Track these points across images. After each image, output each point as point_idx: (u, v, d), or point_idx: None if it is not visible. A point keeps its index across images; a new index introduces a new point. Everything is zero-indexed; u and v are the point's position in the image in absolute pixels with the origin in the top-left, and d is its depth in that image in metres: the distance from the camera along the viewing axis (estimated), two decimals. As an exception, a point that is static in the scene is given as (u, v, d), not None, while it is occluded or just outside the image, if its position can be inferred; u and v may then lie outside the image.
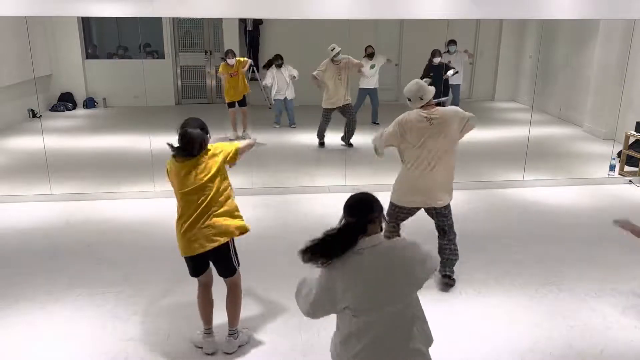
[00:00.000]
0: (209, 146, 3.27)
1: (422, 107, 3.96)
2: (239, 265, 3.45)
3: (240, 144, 3.43)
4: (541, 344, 3.57)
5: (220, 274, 3.43)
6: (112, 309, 3.93)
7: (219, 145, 3.32)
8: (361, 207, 2.29)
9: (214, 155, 3.25)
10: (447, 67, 8.96)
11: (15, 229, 5.38)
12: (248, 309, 3.93)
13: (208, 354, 3.42)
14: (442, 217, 4.17)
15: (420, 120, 3.90)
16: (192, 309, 3.86)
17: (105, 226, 5.42)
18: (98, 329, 3.68)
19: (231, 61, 8.20)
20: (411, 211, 4.16)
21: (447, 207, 4.17)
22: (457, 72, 9.11)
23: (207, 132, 3.24)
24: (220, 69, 8.39)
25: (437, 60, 8.88)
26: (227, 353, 3.43)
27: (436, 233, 4.27)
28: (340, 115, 8.23)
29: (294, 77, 8.69)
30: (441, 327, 3.76)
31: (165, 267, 4.43)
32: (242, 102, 8.50)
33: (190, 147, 3.15)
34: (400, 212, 4.15)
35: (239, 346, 3.48)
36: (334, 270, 2.23)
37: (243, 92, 8.43)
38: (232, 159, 3.33)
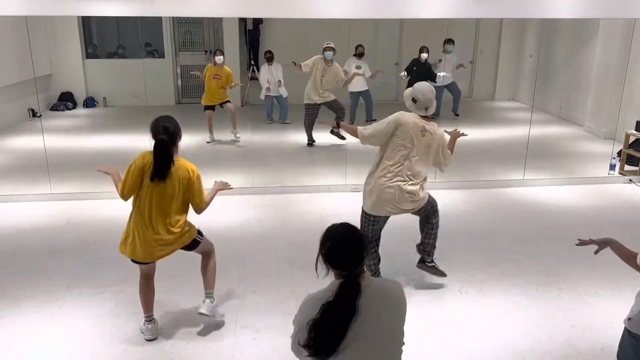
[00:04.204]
0: (188, 165, 3.33)
1: (423, 118, 3.85)
2: (202, 235, 3.58)
3: (209, 195, 3.48)
4: (542, 344, 3.57)
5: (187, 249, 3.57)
6: (112, 308, 3.93)
7: (197, 183, 3.34)
8: (353, 256, 1.97)
9: (185, 179, 3.29)
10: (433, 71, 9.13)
11: (16, 228, 5.38)
12: (248, 309, 3.94)
13: (148, 340, 3.53)
14: (424, 208, 4.04)
15: (416, 124, 3.79)
16: (191, 309, 3.87)
17: (106, 225, 5.41)
18: (98, 329, 3.68)
19: (219, 58, 8.19)
20: (384, 219, 4.06)
21: (427, 202, 4.02)
22: (444, 76, 9.23)
23: (178, 135, 3.32)
24: (204, 73, 8.33)
25: (424, 56, 8.97)
26: (202, 314, 3.59)
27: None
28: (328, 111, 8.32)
29: (279, 82, 8.92)
30: (442, 327, 3.76)
31: (165, 266, 4.43)
32: (225, 102, 8.45)
33: (162, 164, 3.21)
34: (373, 222, 4.04)
35: (213, 314, 3.64)
36: (308, 307, 1.99)
37: (222, 97, 8.37)
38: (200, 200, 3.39)
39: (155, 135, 3.22)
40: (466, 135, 4.15)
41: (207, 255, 3.64)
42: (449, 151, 4.02)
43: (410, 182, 3.85)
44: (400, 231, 4.73)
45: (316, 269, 2.02)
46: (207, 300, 3.63)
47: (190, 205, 3.44)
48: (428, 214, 4.08)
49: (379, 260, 4.17)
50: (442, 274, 4.22)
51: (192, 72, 8.82)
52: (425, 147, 3.84)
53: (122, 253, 3.46)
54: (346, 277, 1.94)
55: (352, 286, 1.92)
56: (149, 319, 3.58)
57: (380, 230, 4.13)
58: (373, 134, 3.88)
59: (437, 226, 4.12)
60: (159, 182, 3.23)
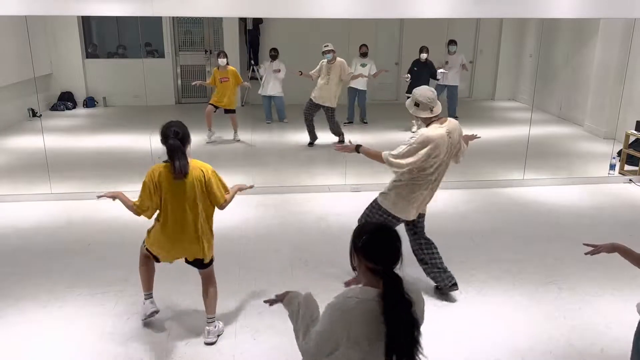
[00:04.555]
0: (201, 165, 3.31)
1: (436, 120, 3.77)
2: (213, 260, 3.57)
3: (229, 194, 3.44)
4: (542, 343, 3.57)
5: (195, 266, 3.54)
6: (112, 308, 3.93)
7: (213, 179, 3.32)
8: (392, 249, 1.90)
9: (199, 178, 3.28)
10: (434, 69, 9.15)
11: (16, 228, 5.38)
12: (248, 308, 3.94)
13: (152, 313, 3.59)
14: (423, 221, 4.12)
15: (442, 136, 3.70)
16: (192, 309, 3.87)
17: (106, 225, 5.42)
18: (98, 328, 3.68)
19: (222, 61, 8.19)
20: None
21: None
22: (444, 73, 9.21)
23: (187, 139, 3.30)
24: (211, 80, 8.35)
25: (423, 56, 9.00)
26: (209, 344, 3.53)
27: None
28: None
29: (278, 70, 8.86)
30: (442, 327, 3.76)
31: (165, 266, 4.43)
32: (230, 110, 8.48)
33: (178, 163, 3.19)
34: (393, 220, 3.96)
35: (218, 335, 3.60)
36: (340, 319, 1.88)
37: (229, 102, 8.38)
38: (220, 197, 3.36)
39: (165, 138, 3.22)
40: (480, 137, 4.20)
41: (210, 281, 3.57)
42: (465, 144, 4.03)
43: (436, 184, 3.91)
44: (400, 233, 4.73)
45: (352, 267, 1.98)
46: (209, 327, 3.56)
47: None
48: (423, 242, 4.11)
49: None
50: None
51: (193, 83, 8.76)
52: (454, 147, 3.83)
53: (149, 246, 3.49)
54: (384, 274, 1.85)
55: (395, 279, 1.84)
56: (149, 296, 3.63)
57: None
58: (414, 162, 3.71)
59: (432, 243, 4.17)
60: (181, 179, 3.22)
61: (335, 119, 8.25)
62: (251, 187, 3.68)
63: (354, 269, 1.98)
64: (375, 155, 3.88)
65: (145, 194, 3.28)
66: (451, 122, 3.83)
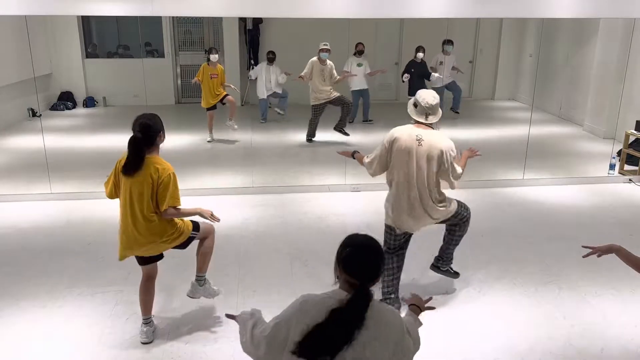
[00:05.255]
0: (159, 164, 3.25)
1: (417, 123, 3.65)
2: (197, 231, 3.54)
3: (186, 209, 3.34)
4: (541, 343, 3.57)
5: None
6: (112, 308, 3.93)
7: (166, 181, 3.22)
8: (371, 265, 1.89)
9: (149, 176, 3.22)
10: (430, 70, 9.13)
11: (16, 228, 5.38)
12: (248, 308, 3.93)
13: (143, 343, 3.51)
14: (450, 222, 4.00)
15: (409, 135, 3.59)
16: (191, 309, 3.87)
17: (106, 225, 5.41)
18: (98, 328, 3.68)
19: (214, 57, 8.17)
20: (405, 236, 3.86)
21: (450, 218, 3.91)
22: (440, 78, 9.16)
23: (157, 134, 3.28)
24: (199, 74, 8.29)
25: (420, 55, 8.98)
26: (190, 297, 3.68)
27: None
28: (333, 110, 8.37)
29: (284, 75, 8.91)
30: (441, 327, 3.76)
31: (165, 266, 4.43)
32: (224, 96, 8.46)
33: (132, 158, 3.21)
34: (395, 236, 3.84)
35: (202, 297, 3.70)
36: (299, 308, 1.94)
37: (219, 94, 8.36)
38: (161, 204, 3.25)
39: (132, 131, 3.24)
40: (480, 155, 4.04)
41: (205, 238, 3.62)
42: (459, 166, 3.76)
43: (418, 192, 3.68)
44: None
45: (335, 276, 1.97)
46: (196, 283, 3.67)
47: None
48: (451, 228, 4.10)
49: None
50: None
51: (193, 80, 8.72)
52: (426, 157, 3.58)
53: (121, 256, 3.49)
54: (358, 287, 1.85)
55: (365, 296, 1.84)
56: (147, 321, 3.57)
57: (401, 245, 3.90)
58: (373, 160, 3.77)
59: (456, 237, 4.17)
60: (129, 176, 3.24)
61: (350, 102, 8.40)
62: (215, 219, 3.45)
63: (336, 277, 1.96)
64: (359, 159, 3.94)
65: (110, 175, 3.40)
66: (433, 134, 3.61)
